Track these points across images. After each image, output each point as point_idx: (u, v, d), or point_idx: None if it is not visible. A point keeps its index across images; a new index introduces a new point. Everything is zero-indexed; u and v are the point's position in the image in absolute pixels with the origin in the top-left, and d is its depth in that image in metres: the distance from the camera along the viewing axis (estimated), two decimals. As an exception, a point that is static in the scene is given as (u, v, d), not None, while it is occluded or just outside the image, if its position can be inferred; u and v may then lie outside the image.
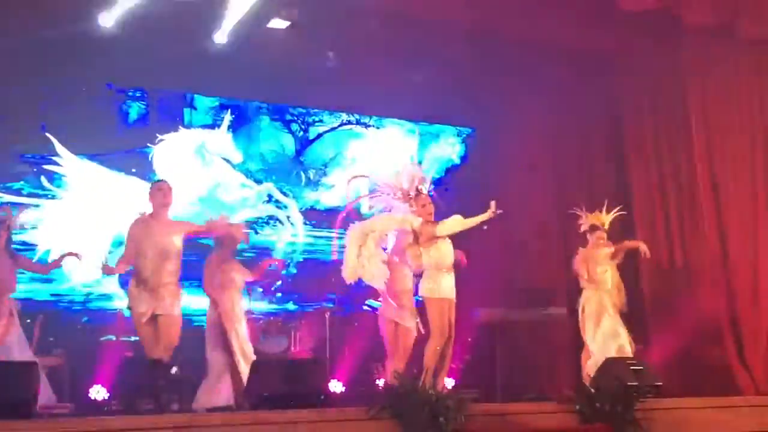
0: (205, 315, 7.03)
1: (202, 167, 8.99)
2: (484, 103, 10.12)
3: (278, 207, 9.83)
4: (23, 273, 7.18)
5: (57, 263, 6.79)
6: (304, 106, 10.25)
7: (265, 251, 9.43)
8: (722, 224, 8.31)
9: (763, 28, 8.03)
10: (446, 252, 6.47)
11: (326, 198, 10.06)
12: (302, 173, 10.18)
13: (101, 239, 7.80)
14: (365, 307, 9.29)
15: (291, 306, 9.58)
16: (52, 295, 8.44)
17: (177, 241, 6.37)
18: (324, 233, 9.77)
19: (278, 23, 8.35)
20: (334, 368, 8.11)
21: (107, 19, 7.99)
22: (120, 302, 8.03)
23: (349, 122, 10.50)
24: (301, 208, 9.96)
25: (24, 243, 7.91)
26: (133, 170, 8.50)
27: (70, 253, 6.64)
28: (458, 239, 6.61)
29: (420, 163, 8.48)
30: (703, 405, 6.58)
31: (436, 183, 9.35)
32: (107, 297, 8.57)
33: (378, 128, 10.57)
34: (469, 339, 8.41)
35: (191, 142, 8.94)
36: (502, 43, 8.71)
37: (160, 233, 6.31)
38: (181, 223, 6.64)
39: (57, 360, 7.58)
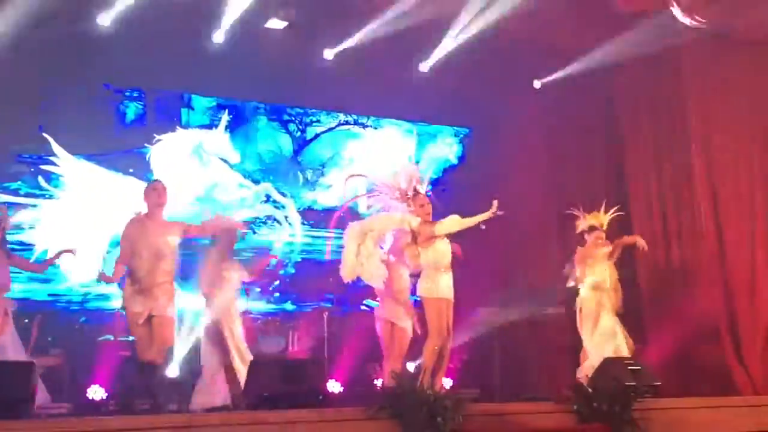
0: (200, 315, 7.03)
1: (199, 167, 8.97)
2: (482, 104, 10.13)
3: (276, 207, 9.82)
4: (20, 273, 7.17)
5: (51, 261, 6.78)
6: (302, 107, 10.24)
7: (263, 251, 9.42)
8: (720, 224, 8.33)
9: (759, 29, 8.05)
10: (444, 252, 6.48)
11: (324, 198, 10.06)
12: (300, 173, 10.17)
13: (99, 239, 7.78)
14: (363, 307, 9.29)
15: (289, 306, 9.58)
16: (50, 295, 8.43)
17: (172, 241, 6.37)
18: (322, 233, 9.75)
19: (276, 23, 8.35)
20: (332, 368, 8.10)
21: (105, 19, 7.99)
22: (118, 302, 8.01)
23: (347, 122, 10.50)
24: (298, 208, 9.96)
25: (21, 243, 7.90)
26: (131, 170, 8.48)
27: (65, 251, 6.63)
28: (456, 239, 6.61)
29: (417, 163, 8.48)
30: (701, 405, 6.59)
31: (434, 183, 9.35)
32: (105, 297, 8.56)
33: (375, 128, 10.57)
34: (468, 339, 8.40)
35: (188, 143, 8.92)
36: (499, 43, 8.72)
37: (155, 233, 6.31)
38: (176, 223, 6.63)
39: (55, 360, 7.58)
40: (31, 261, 7.41)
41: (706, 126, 8.48)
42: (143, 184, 6.88)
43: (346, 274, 6.65)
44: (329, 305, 9.26)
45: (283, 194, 9.89)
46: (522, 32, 8.48)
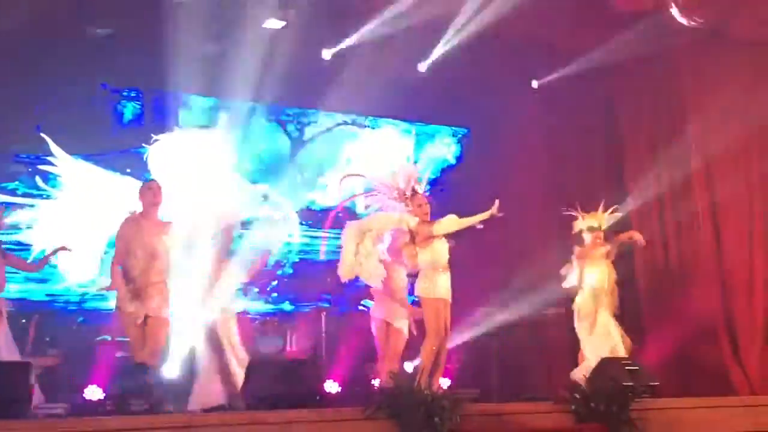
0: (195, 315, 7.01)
1: (196, 168, 8.95)
2: (480, 104, 10.13)
3: (273, 207, 9.80)
4: (17, 273, 7.16)
5: (46, 260, 6.75)
6: (300, 107, 10.24)
7: (260, 252, 9.40)
8: (717, 224, 8.35)
9: (757, 29, 8.06)
10: (442, 251, 6.48)
11: (322, 198, 10.05)
12: (298, 174, 10.17)
13: (96, 239, 7.77)
14: (361, 308, 9.27)
15: (287, 306, 9.58)
16: (48, 295, 8.42)
17: (166, 240, 6.36)
18: (320, 234, 9.74)
19: (273, 23, 8.34)
20: (330, 368, 8.10)
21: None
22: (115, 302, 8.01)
23: (345, 123, 10.50)
24: (296, 209, 9.93)
25: (19, 243, 7.88)
26: (128, 170, 8.44)
27: (59, 248, 6.61)
28: (454, 239, 6.61)
29: (415, 163, 8.48)
30: (698, 405, 6.60)
31: (432, 183, 9.35)
32: (103, 297, 8.50)
33: (373, 129, 10.56)
34: (466, 339, 8.40)
35: (186, 143, 8.90)
36: (497, 43, 8.72)
37: (149, 232, 6.30)
38: (171, 223, 6.60)
39: (52, 360, 7.57)
40: (28, 261, 7.39)
41: (704, 126, 8.49)
42: (140, 184, 6.87)
43: (344, 273, 6.64)
44: (327, 305, 9.26)
45: (280, 195, 9.87)
46: (520, 32, 8.48)
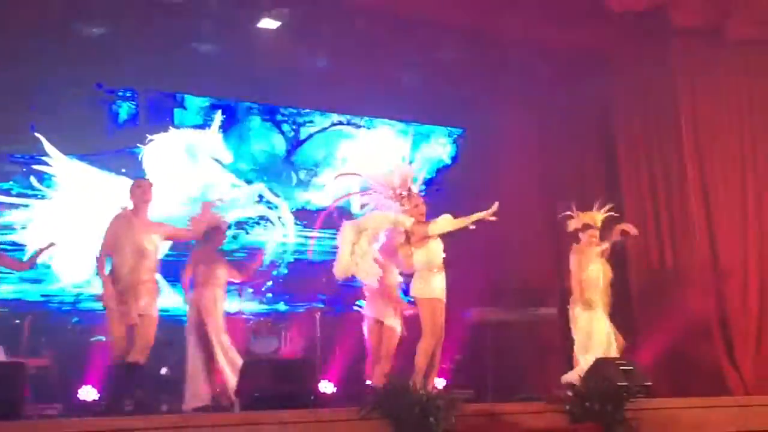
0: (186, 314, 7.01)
1: (192, 168, 8.95)
2: (475, 104, 10.13)
3: (269, 207, 9.81)
4: (12, 273, 7.14)
5: (36, 258, 6.74)
6: (295, 107, 10.23)
7: (255, 252, 9.41)
8: (712, 224, 8.35)
9: (751, 29, 8.08)
10: (437, 252, 6.48)
11: (317, 198, 10.04)
12: (293, 174, 10.16)
13: (91, 239, 7.76)
14: (355, 308, 9.27)
15: (281, 306, 9.56)
16: (42, 295, 8.40)
17: (156, 240, 6.33)
18: (315, 234, 9.75)
19: (268, 23, 8.34)
20: (325, 369, 8.10)
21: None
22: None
23: (340, 123, 10.50)
24: (291, 209, 9.95)
25: (14, 243, 7.88)
26: (123, 170, 8.46)
27: (46, 247, 6.58)
28: (450, 238, 6.61)
29: (411, 163, 8.48)
30: (693, 405, 6.61)
31: (427, 183, 9.36)
32: (97, 298, 8.54)
33: (369, 129, 10.56)
34: (461, 339, 8.40)
35: (181, 143, 8.91)
36: (492, 44, 8.73)
37: (139, 230, 6.26)
38: (161, 224, 6.56)
39: (46, 361, 7.55)
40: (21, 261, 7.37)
41: (698, 126, 8.50)
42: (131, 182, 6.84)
43: (340, 272, 6.63)
44: (322, 306, 9.25)
45: (276, 194, 9.88)
46: (515, 32, 8.48)
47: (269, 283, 9.54)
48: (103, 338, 8.00)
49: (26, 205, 8.28)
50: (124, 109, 9.28)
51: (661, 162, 8.84)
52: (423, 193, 6.97)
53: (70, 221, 8.07)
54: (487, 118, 10.26)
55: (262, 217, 9.76)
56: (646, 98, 9.00)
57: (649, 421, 6.05)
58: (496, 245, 9.03)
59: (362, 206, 7.45)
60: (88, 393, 7.26)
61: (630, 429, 5.93)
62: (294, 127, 10.29)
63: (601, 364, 6.71)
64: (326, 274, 7.39)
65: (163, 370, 7.87)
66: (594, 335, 7.31)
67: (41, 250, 6.61)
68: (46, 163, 8.28)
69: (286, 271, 9.78)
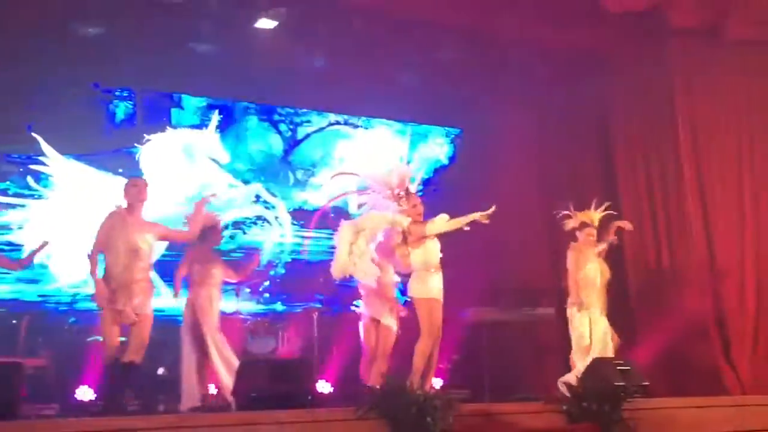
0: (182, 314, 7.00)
1: (189, 168, 8.94)
2: (473, 104, 10.14)
3: (266, 207, 9.81)
4: (9, 273, 7.13)
5: (31, 257, 6.70)
6: (293, 107, 10.23)
7: (253, 251, 9.41)
8: (709, 224, 8.36)
9: (749, 29, 8.09)
10: (434, 252, 6.48)
11: (314, 198, 10.03)
12: (290, 173, 10.16)
13: (88, 240, 7.75)
14: (353, 308, 9.27)
15: (279, 306, 9.56)
16: (39, 296, 8.39)
17: (150, 239, 6.30)
18: (312, 234, 9.75)
19: (266, 23, 8.33)
20: (322, 369, 8.10)
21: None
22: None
23: (338, 123, 10.49)
24: (289, 209, 9.94)
25: (10, 243, 7.86)
26: (120, 170, 8.45)
27: (39, 246, 6.56)
28: (447, 238, 6.61)
29: (409, 163, 8.48)
30: (690, 405, 6.62)
31: (425, 183, 9.36)
32: (94, 298, 8.52)
33: (366, 129, 10.56)
34: (458, 339, 8.40)
35: (178, 143, 8.89)
36: (490, 44, 8.73)
37: (133, 229, 6.23)
38: (155, 224, 6.53)
39: (44, 361, 7.54)
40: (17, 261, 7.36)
41: (694, 126, 8.51)
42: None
43: (338, 272, 6.63)
44: (319, 306, 9.24)
45: (273, 194, 9.88)
46: (512, 32, 8.49)
47: (266, 283, 9.54)
48: (100, 338, 8.01)
49: (23, 205, 8.27)
50: (122, 109, 9.27)
51: (658, 162, 8.85)
52: (420, 193, 6.97)
53: (67, 221, 8.06)
54: (485, 119, 10.27)
55: (259, 217, 9.76)
56: (643, 98, 9.00)
57: (647, 421, 6.06)
58: (493, 245, 9.03)
59: (359, 206, 7.44)
60: (85, 393, 7.26)
61: (627, 429, 5.94)
62: (291, 126, 10.29)
63: (598, 364, 6.72)
64: (324, 274, 7.39)
65: (160, 371, 7.87)
66: (588, 336, 7.30)
67: (35, 251, 6.59)
68: (43, 163, 8.27)
69: (283, 271, 9.78)
